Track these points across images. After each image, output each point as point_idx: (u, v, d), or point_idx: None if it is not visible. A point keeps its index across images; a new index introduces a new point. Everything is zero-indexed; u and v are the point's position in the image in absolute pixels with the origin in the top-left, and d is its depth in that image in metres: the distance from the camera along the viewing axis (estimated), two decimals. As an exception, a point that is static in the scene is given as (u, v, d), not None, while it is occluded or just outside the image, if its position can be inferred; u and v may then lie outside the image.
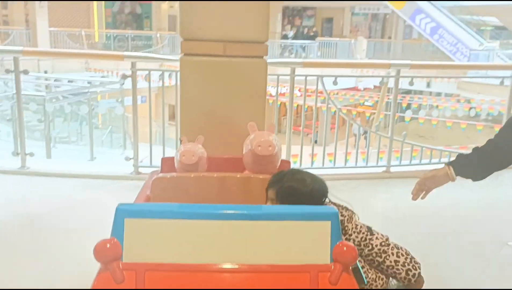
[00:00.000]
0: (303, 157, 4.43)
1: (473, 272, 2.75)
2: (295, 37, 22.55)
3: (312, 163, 4.39)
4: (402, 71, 4.22)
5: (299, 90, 4.95)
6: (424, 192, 1.79)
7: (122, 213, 1.33)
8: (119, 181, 4.06)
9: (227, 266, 1.31)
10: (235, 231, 1.33)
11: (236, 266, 1.31)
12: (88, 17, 21.19)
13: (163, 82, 4.13)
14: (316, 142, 5.01)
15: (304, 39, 22.23)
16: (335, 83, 4.20)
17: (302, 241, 1.34)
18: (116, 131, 12.60)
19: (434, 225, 3.29)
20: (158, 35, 20.05)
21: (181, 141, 2.08)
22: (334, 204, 1.76)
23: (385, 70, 4.39)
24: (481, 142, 2.07)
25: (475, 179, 1.80)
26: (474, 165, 1.76)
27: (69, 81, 8.05)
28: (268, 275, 1.31)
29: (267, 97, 2.57)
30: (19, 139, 4.13)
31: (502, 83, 4.64)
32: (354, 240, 1.71)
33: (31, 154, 4.20)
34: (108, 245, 1.31)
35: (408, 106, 13.17)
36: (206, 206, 1.39)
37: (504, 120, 4.71)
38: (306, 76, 4.14)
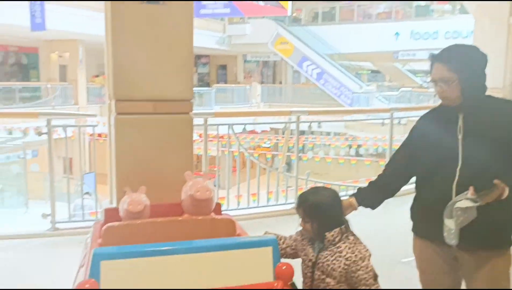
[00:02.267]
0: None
1: None
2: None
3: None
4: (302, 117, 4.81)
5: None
6: None
7: (98, 257, 1.54)
8: (37, 239, 4.01)
9: (192, 293, 1.58)
10: (195, 262, 1.61)
11: (199, 292, 1.58)
12: (-33, 71, 19.79)
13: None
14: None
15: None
16: (244, 130, 4.65)
17: (251, 265, 1.66)
18: (8, 189, 11.79)
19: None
20: (48, 85, 19.30)
21: (125, 192, 2.29)
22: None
23: (287, 116, 4.95)
24: (369, 175, 2.50)
25: (372, 207, 2.26)
26: (370, 196, 2.21)
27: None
28: (226, 296, 1.60)
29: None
30: None
31: (383, 124, 5.47)
32: (359, 276, 1.84)
33: None
34: (87, 285, 1.50)
35: (304, 146, 14.23)
36: (167, 244, 1.66)
37: (387, 155, 5.51)
38: (218, 125, 4.53)
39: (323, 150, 13.32)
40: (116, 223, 2.13)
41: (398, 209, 4.93)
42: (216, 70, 28.81)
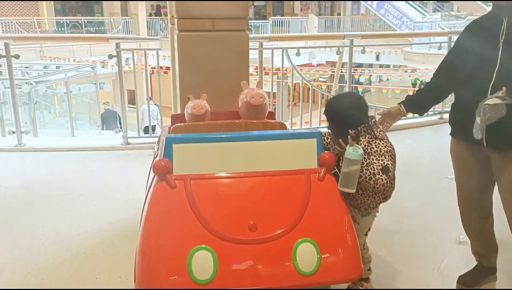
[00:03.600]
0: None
1: (418, 199, 3.43)
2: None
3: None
4: (355, 42, 4.87)
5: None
6: (386, 126, 2.32)
7: (171, 140, 1.85)
8: (112, 151, 4.51)
9: (247, 173, 1.87)
10: (251, 149, 1.89)
11: (253, 173, 1.87)
12: (36, 5, 20.71)
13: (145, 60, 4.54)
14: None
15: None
16: (297, 54, 4.79)
17: (298, 153, 1.92)
18: (80, 118, 12.71)
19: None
20: (111, 20, 19.94)
21: (188, 98, 2.59)
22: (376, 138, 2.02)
23: (340, 40, 5.02)
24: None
25: (419, 113, 2.40)
26: (416, 103, 2.35)
27: (44, 67, 8.28)
28: (276, 177, 1.88)
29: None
30: (15, 119, 4.47)
31: (439, 47, 5.39)
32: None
33: (27, 132, 4.57)
34: (162, 163, 1.83)
35: (359, 78, 14.04)
36: (229, 133, 1.95)
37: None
38: (272, 48, 4.70)
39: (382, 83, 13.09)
40: (182, 124, 2.45)
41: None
42: (272, 2, 28.23)
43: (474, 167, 2.20)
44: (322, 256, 1.78)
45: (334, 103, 2.12)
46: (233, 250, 1.75)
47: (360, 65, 18.37)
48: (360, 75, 14.11)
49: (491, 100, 1.85)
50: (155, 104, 8.41)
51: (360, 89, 12.70)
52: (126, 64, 5.19)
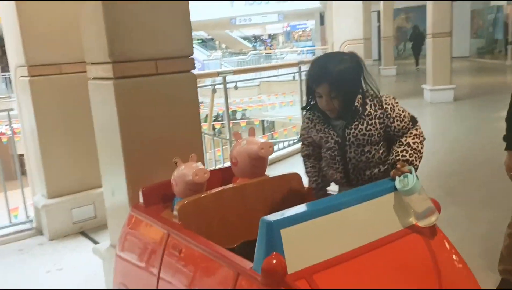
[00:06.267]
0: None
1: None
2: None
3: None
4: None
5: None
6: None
7: (277, 225, 1.26)
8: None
9: (370, 245, 1.42)
10: (366, 212, 1.44)
11: (377, 243, 1.43)
12: None
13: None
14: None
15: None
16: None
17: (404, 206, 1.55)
18: None
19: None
20: None
21: (175, 163, 1.92)
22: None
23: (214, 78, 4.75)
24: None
25: None
26: None
27: None
28: (399, 241, 1.47)
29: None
30: None
31: (294, 77, 5.63)
32: (395, 127, 1.74)
33: None
34: (274, 261, 1.23)
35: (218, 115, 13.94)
36: (337, 198, 1.47)
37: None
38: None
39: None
40: (187, 200, 1.79)
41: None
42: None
43: None
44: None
45: (339, 66, 1.69)
46: None
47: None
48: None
49: None
50: None
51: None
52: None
